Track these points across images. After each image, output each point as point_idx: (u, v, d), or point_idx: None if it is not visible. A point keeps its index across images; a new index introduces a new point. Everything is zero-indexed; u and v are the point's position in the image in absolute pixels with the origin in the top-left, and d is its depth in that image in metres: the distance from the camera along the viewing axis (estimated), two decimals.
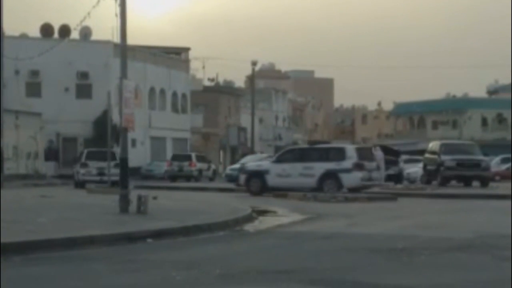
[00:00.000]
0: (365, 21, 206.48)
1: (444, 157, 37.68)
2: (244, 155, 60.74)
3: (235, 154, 77.02)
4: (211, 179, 54.87)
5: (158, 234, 14.53)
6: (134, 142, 56.00)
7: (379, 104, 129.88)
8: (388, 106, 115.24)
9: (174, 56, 69.79)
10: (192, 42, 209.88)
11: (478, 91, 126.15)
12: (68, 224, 15.73)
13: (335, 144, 38.25)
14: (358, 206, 24.33)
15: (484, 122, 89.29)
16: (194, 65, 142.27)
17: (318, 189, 29.56)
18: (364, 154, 31.64)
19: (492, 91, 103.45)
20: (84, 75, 56.87)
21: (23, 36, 58.56)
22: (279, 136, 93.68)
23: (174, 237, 14.64)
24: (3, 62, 39.33)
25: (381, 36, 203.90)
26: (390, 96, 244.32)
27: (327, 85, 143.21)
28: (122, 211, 18.50)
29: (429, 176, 39.59)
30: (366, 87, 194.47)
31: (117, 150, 34.85)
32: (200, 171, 54.34)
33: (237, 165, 45.76)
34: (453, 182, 38.85)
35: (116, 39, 27.74)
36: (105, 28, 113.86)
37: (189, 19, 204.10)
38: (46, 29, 58.68)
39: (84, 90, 57.11)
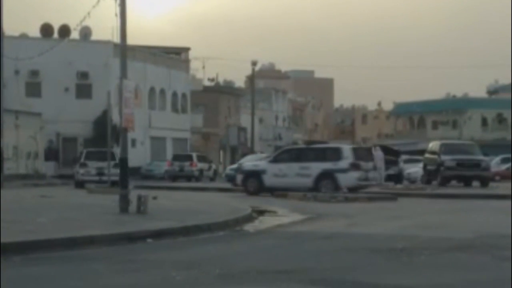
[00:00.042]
0: (365, 21, 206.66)
1: (444, 157, 37.69)
2: (244, 155, 60.72)
3: (235, 154, 77.03)
4: (212, 179, 54.92)
5: (158, 234, 14.53)
6: (134, 142, 56.02)
7: (379, 104, 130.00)
8: (388, 106, 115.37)
9: (174, 56, 69.79)
10: (192, 42, 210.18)
11: (478, 91, 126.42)
12: (68, 224, 15.73)
13: (331, 144, 38.32)
14: (358, 206, 24.32)
15: (484, 122, 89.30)
16: (194, 65, 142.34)
17: (315, 189, 29.63)
18: (361, 154, 31.73)
19: (492, 91, 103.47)
20: (84, 75, 56.87)
21: (23, 36, 58.56)
22: (279, 136, 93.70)
23: (174, 237, 14.63)
24: (3, 62, 39.31)
25: (381, 36, 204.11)
26: (390, 96, 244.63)
27: (327, 85, 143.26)
28: (122, 211, 18.50)
29: (429, 176, 39.59)
30: (366, 87, 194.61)
31: (117, 150, 34.86)
32: (201, 171, 54.41)
33: (237, 165, 45.79)
34: (453, 182, 38.86)
35: (116, 39, 27.73)
36: (105, 28, 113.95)
37: (189, 19, 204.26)
38: (46, 29, 58.68)
39: (84, 90, 57.11)
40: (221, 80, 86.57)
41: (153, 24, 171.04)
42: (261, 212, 21.28)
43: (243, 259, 11.76)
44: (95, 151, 42.97)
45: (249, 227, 17.42)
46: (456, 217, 20.26)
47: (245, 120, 79.02)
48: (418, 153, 50.82)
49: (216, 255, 12.20)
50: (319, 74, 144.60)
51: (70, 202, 23.64)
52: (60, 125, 55.73)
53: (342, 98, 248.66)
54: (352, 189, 30.05)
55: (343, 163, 30.16)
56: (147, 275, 10.08)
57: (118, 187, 20.51)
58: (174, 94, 67.25)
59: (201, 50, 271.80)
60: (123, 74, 19.95)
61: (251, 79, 75.65)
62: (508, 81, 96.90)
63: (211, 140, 75.00)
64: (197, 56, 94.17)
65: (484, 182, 37.53)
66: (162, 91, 65.49)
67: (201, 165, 54.80)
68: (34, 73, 56.17)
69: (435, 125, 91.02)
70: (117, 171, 24.97)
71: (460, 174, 37.98)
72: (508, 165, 49.98)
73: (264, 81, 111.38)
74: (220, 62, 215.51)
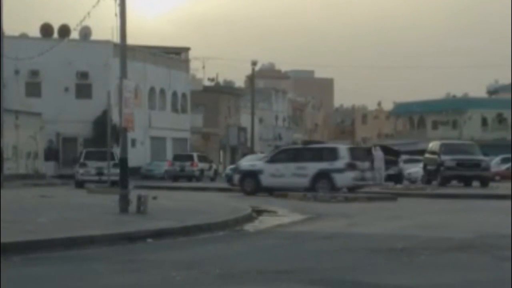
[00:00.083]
0: (365, 21, 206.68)
1: (444, 157, 37.69)
2: (244, 155, 60.76)
3: (235, 154, 77.03)
4: (213, 179, 54.97)
5: (158, 234, 14.53)
6: (134, 142, 56.04)
7: (379, 104, 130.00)
8: (388, 106, 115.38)
9: (174, 56, 69.79)
10: (192, 42, 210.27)
11: (478, 91, 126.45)
12: (68, 224, 15.73)
13: (328, 144, 38.41)
14: (358, 206, 24.32)
15: (484, 122, 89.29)
16: (194, 65, 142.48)
17: (311, 189, 29.77)
18: (357, 154, 31.85)
19: (492, 91, 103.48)
20: (84, 75, 56.87)
21: (23, 36, 58.56)
22: (279, 136, 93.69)
23: (174, 237, 14.63)
24: (3, 62, 39.31)
25: (381, 36, 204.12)
26: (390, 96, 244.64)
27: (327, 85, 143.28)
28: (122, 211, 18.50)
29: (429, 176, 39.59)
30: (366, 87, 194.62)
31: (116, 150, 34.87)
32: (201, 171, 54.50)
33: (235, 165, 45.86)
34: (453, 182, 38.86)
35: (116, 39, 27.70)
36: (105, 28, 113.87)
37: (189, 19, 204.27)
38: (46, 29, 58.68)
39: (84, 90, 57.11)
40: (221, 80, 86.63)
41: (153, 24, 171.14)
42: (261, 212, 21.29)
43: (243, 259, 11.76)
44: (95, 151, 43.07)
45: (249, 227, 17.42)
46: (456, 217, 20.26)
47: (245, 120, 79.02)
48: (418, 153, 50.83)
49: (216, 255, 12.20)
50: (319, 74, 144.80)
51: (70, 202, 23.64)
52: (60, 125, 55.74)
53: (342, 98, 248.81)
54: (348, 189, 30.18)
55: (339, 163, 30.29)
56: (147, 275, 10.08)
57: (118, 187, 20.51)
58: (174, 94, 67.25)
59: (201, 50, 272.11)
60: (123, 74, 19.95)
61: (251, 79, 75.64)
62: (508, 81, 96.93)
63: (211, 140, 75.01)
64: (197, 56, 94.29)
65: (484, 182, 37.54)
66: (162, 91, 65.49)
67: (201, 165, 54.89)
68: (34, 73, 56.18)
69: (435, 125, 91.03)
70: (117, 171, 24.99)
71: (460, 174, 37.99)
72: (508, 165, 49.98)
73: (264, 81, 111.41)
74: (220, 62, 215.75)
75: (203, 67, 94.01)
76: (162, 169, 57.92)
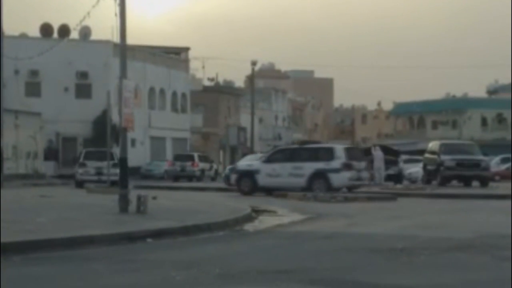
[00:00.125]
0: (365, 21, 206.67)
1: (444, 157, 37.69)
2: (244, 155, 60.78)
3: (235, 154, 77.03)
4: (213, 179, 55.02)
5: (158, 234, 14.53)
6: (133, 142, 56.05)
7: (378, 104, 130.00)
8: (387, 106, 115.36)
9: (174, 56, 69.79)
10: (191, 42, 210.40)
11: (478, 91, 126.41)
12: (68, 224, 15.73)
13: (324, 144, 38.49)
14: (358, 206, 24.33)
15: (484, 122, 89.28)
16: (194, 65, 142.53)
17: (308, 188, 29.86)
18: (353, 154, 31.94)
19: (492, 91, 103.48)
20: (83, 75, 56.87)
21: (23, 36, 58.55)
22: (279, 136, 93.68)
23: (173, 237, 14.63)
24: (2, 62, 39.28)
25: (381, 36, 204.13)
26: (390, 96, 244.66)
27: (326, 85, 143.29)
28: (121, 211, 18.50)
29: (429, 176, 39.59)
30: (366, 87, 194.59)
31: (116, 150, 34.87)
32: (202, 171, 54.58)
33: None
34: (453, 182, 38.85)
35: (116, 38, 27.69)
36: (104, 28, 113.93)
37: (189, 19, 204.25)
38: (46, 29, 58.67)
39: (83, 90, 57.11)
40: (221, 80, 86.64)
41: (153, 24, 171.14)
42: (261, 212, 21.29)
43: (243, 259, 11.76)
44: (94, 151, 43.19)
45: (249, 227, 17.41)
46: (456, 217, 20.26)
47: (245, 120, 79.02)
48: (418, 153, 50.83)
49: (216, 255, 12.20)
50: (318, 74, 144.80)
51: (70, 202, 23.63)
52: (59, 125, 55.74)
53: (342, 98, 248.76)
54: (348, 189, 30.25)
55: (336, 163, 30.38)
56: (147, 275, 10.08)
57: (118, 187, 20.50)
58: (174, 94, 67.25)
59: (200, 50, 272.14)
60: (123, 74, 19.94)
61: (251, 79, 75.62)
62: (508, 81, 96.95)
63: (210, 140, 75.00)
64: (196, 56, 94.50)
65: (484, 182, 37.55)
66: (162, 91, 65.49)
67: (202, 165, 55.00)
68: (34, 73, 56.17)
69: (434, 125, 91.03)
70: (117, 171, 24.96)
71: (459, 174, 37.99)
72: (507, 165, 49.98)
73: (264, 81, 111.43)
74: (220, 62, 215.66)
75: (203, 67, 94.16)
76: (161, 169, 57.97)
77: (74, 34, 49.90)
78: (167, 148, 65.37)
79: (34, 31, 59.51)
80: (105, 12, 21.62)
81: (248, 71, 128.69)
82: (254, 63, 69.12)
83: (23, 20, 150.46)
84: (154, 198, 21.95)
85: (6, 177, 40.44)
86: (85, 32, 56.09)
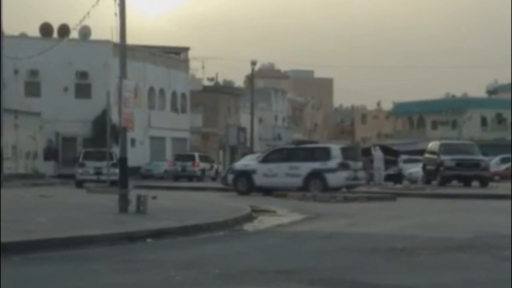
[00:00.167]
0: (365, 21, 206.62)
1: (444, 157, 37.70)
2: (243, 154, 60.79)
3: (234, 154, 77.03)
4: (214, 179, 55.06)
5: (158, 234, 14.53)
6: (133, 142, 56.06)
7: (378, 104, 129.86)
8: (387, 106, 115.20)
9: (174, 56, 69.80)
10: (191, 42, 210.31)
11: (478, 91, 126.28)
12: (68, 224, 15.73)
13: (320, 144, 38.55)
14: (357, 206, 24.33)
15: (483, 122, 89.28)
16: (194, 64, 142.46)
17: (304, 188, 29.92)
18: (350, 154, 31.98)
19: (491, 91, 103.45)
20: (83, 75, 56.87)
21: (23, 36, 58.53)
22: (279, 135, 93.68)
23: (173, 236, 14.63)
24: (2, 61, 39.25)
25: (381, 36, 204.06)
26: (389, 96, 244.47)
27: (326, 85, 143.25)
28: (121, 211, 18.50)
29: (428, 176, 39.60)
30: (366, 87, 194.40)
31: (116, 150, 34.88)
32: (203, 171, 54.68)
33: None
34: (453, 182, 38.85)
35: (116, 38, 27.70)
36: (104, 28, 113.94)
37: (189, 19, 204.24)
38: (46, 29, 58.66)
39: (83, 90, 57.12)
40: (220, 80, 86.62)
41: (153, 23, 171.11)
42: (261, 212, 21.28)
43: (243, 259, 11.76)
44: (94, 151, 43.31)
45: (248, 227, 17.42)
46: (456, 217, 20.26)
47: (244, 120, 79.02)
48: (418, 153, 50.84)
49: (216, 255, 12.20)
50: (318, 74, 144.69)
51: (70, 202, 23.64)
52: (59, 125, 55.74)
53: (342, 98, 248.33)
54: (347, 188, 30.28)
55: (332, 163, 30.44)
56: (146, 274, 10.08)
57: (118, 187, 20.50)
58: (174, 94, 67.26)
59: (200, 50, 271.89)
60: (123, 74, 19.95)
61: (250, 79, 75.61)
62: (507, 81, 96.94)
63: (210, 140, 75.01)
64: (196, 56, 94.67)
65: (484, 182, 37.56)
66: (162, 91, 65.50)
67: (203, 165, 55.12)
68: (34, 73, 56.18)
69: (434, 125, 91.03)
70: (116, 170, 24.95)
71: (459, 174, 38.00)
72: (507, 165, 49.99)
73: (264, 81, 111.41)
74: (220, 62, 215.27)
75: (203, 67, 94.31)
76: (161, 169, 58.01)
77: (74, 34, 49.97)
78: (167, 148, 65.38)
79: (34, 31, 59.60)
80: (105, 12, 21.64)
81: (247, 71, 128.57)
82: (254, 63, 69.11)
83: (23, 20, 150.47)
84: (154, 198, 21.95)
85: (6, 177, 40.41)
86: (85, 32, 56.09)
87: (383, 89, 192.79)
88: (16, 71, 54.39)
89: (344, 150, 31.73)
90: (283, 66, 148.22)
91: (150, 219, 16.76)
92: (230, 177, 33.59)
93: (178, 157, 55.63)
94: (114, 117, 35.91)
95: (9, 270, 10.34)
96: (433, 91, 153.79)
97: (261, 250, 13.31)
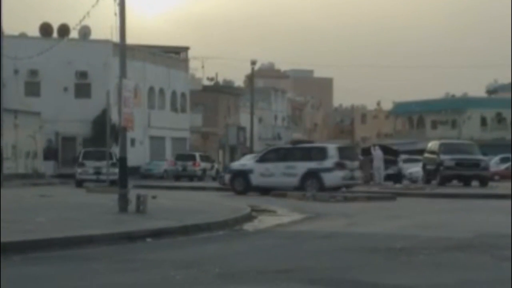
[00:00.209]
0: (365, 21, 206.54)
1: (444, 157, 37.69)
2: (243, 154, 60.80)
3: (234, 153, 77.03)
4: (214, 178, 55.02)
5: (157, 234, 14.53)
6: (133, 142, 56.05)
7: (378, 103, 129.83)
8: (387, 105, 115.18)
9: (174, 56, 69.79)
10: (191, 42, 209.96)
11: (478, 91, 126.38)
12: (67, 224, 15.73)
13: (317, 144, 38.58)
14: (357, 206, 24.33)
15: (483, 121, 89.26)
16: (194, 64, 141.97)
17: (300, 188, 29.94)
18: (346, 153, 31.99)
19: (491, 91, 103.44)
20: (83, 75, 56.85)
21: (23, 36, 58.52)
22: (278, 135, 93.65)
23: (173, 236, 14.63)
24: (2, 61, 39.27)
25: (381, 36, 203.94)
26: (389, 96, 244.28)
27: (326, 84, 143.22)
28: (121, 211, 18.50)
29: (428, 175, 39.59)
30: (366, 86, 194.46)
31: (115, 149, 34.88)
32: (204, 170, 54.72)
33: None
34: (453, 182, 38.85)
35: (115, 38, 27.63)
36: (104, 28, 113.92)
37: (189, 18, 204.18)
38: (46, 29, 58.64)
39: (83, 90, 57.10)
40: (220, 79, 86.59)
41: (153, 23, 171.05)
42: (261, 212, 21.28)
43: (243, 259, 11.77)
44: (93, 150, 43.34)
45: (248, 226, 17.42)
46: (456, 216, 20.27)
47: (244, 119, 79.02)
48: (417, 152, 50.85)
49: (216, 255, 12.20)
50: (318, 73, 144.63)
51: (69, 202, 23.64)
52: (59, 125, 55.73)
53: (342, 97, 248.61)
54: (337, 188, 30.30)
55: (328, 163, 30.47)
56: (146, 274, 10.09)
57: (117, 187, 20.50)
58: (174, 94, 67.25)
59: (200, 50, 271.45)
60: (123, 74, 19.95)
61: (250, 78, 75.58)
62: (507, 81, 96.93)
63: (210, 139, 74.99)
64: (196, 55, 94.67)
65: (483, 181, 37.56)
66: (162, 91, 65.49)
67: (204, 164, 55.14)
68: (33, 73, 56.16)
69: (434, 125, 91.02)
70: (116, 170, 24.93)
71: (459, 174, 38.00)
72: (507, 164, 49.98)
73: (264, 81, 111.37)
74: (220, 61, 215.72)
75: (203, 67, 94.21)
76: (161, 168, 58.01)
77: (74, 34, 49.91)
78: (167, 148, 65.37)
79: (34, 31, 59.55)
80: (105, 12, 21.65)
81: (247, 70, 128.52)
82: (253, 63, 69.08)
83: (22, 20, 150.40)
84: (154, 197, 21.94)
85: (6, 176, 40.42)
86: (85, 32, 56.07)
87: (383, 89, 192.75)
88: (16, 71, 54.38)
89: (340, 150, 31.74)
90: (283, 65, 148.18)
91: (150, 218, 16.77)
92: (227, 177, 33.65)
93: (179, 157, 55.67)
94: (114, 116, 35.90)
95: (9, 270, 10.35)
96: (433, 91, 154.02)
97: (261, 249, 13.32)
